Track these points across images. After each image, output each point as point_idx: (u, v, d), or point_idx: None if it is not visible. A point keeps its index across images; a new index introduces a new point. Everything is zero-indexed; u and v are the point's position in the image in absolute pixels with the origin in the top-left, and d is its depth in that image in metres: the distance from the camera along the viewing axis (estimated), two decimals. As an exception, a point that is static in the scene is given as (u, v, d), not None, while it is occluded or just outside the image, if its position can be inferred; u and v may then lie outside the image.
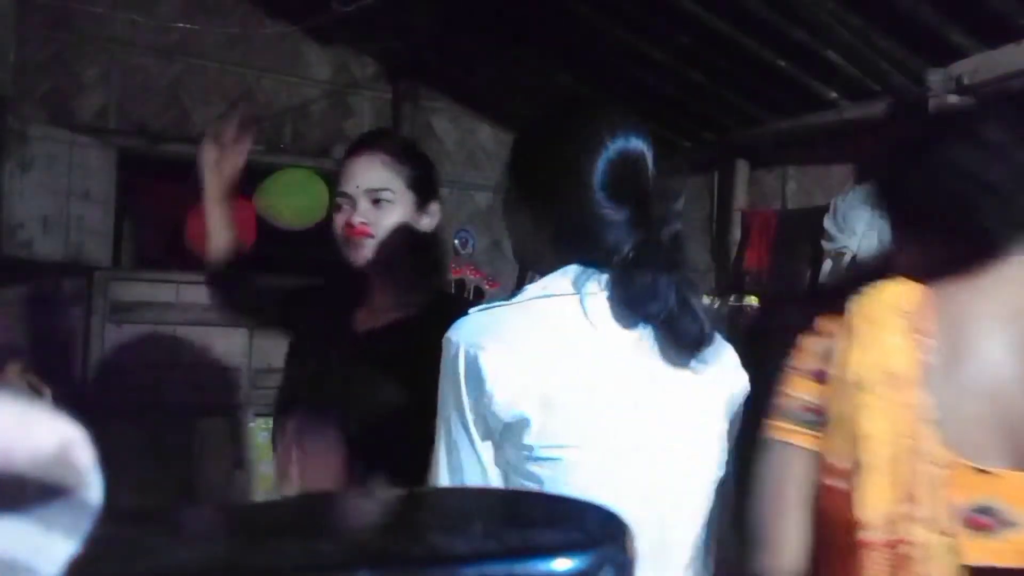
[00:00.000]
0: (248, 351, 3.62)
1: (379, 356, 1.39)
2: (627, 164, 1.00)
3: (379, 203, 1.37)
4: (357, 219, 1.35)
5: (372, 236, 1.35)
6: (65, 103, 3.43)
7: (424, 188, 1.42)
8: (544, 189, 1.01)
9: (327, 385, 1.42)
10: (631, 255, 0.96)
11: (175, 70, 3.66)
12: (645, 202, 1.00)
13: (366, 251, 1.37)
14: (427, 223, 1.42)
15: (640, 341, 0.97)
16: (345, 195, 1.38)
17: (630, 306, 0.96)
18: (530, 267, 1.12)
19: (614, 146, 1.00)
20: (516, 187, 1.05)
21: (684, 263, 1.04)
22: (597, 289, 0.95)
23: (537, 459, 0.90)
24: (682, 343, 1.00)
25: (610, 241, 0.97)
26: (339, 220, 1.39)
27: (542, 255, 1.03)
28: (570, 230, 0.98)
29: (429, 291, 1.45)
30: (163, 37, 3.56)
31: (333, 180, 1.59)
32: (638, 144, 1.03)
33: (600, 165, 0.98)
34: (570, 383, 0.92)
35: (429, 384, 1.37)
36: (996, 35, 2.24)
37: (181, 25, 3.37)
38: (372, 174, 1.37)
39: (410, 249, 1.40)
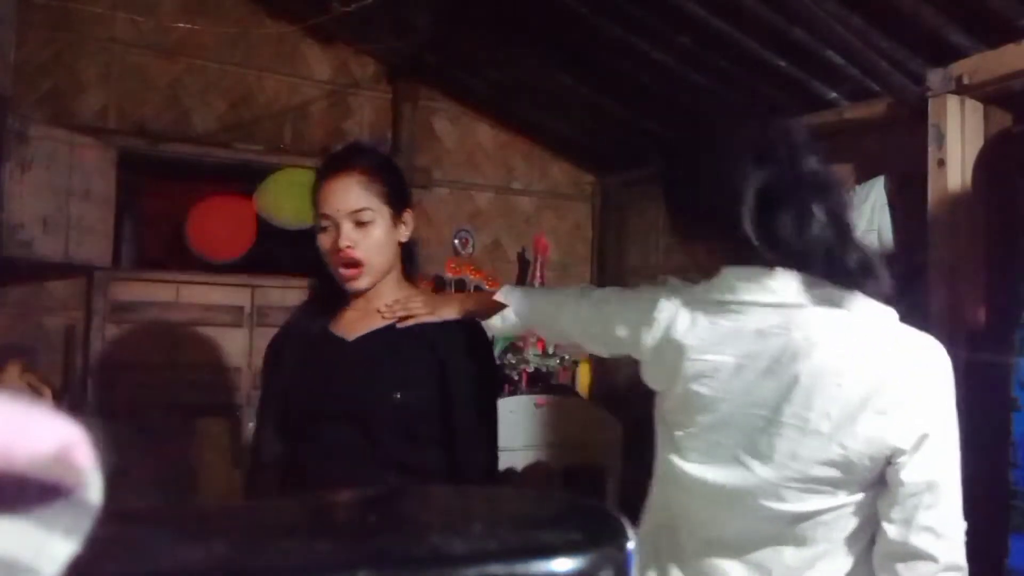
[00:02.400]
0: (248, 351, 3.62)
1: (376, 359, 1.44)
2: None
3: (363, 224, 1.43)
4: (343, 242, 1.41)
5: (364, 263, 1.43)
6: (65, 103, 3.43)
7: (399, 200, 1.49)
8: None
9: (330, 393, 1.44)
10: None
11: (175, 70, 3.66)
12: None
13: (362, 282, 1.45)
14: (404, 232, 1.51)
15: None
16: (327, 217, 1.44)
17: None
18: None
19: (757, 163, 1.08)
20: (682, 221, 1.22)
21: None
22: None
23: None
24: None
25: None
26: (324, 242, 1.45)
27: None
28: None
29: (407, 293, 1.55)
30: (163, 37, 3.56)
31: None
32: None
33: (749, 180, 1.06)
34: None
35: (430, 383, 1.40)
36: (996, 35, 2.24)
37: (181, 25, 3.37)
38: (350, 196, 1.42)
39: (392, 259, 1.50)
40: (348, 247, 1.41)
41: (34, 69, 3.36)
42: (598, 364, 4.36)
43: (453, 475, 1.38)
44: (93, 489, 0.31)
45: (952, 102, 2.38)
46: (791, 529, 1.05)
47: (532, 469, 3.33)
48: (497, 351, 3.61)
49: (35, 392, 1.49)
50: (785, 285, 1.05)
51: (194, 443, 3.44)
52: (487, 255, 4.25)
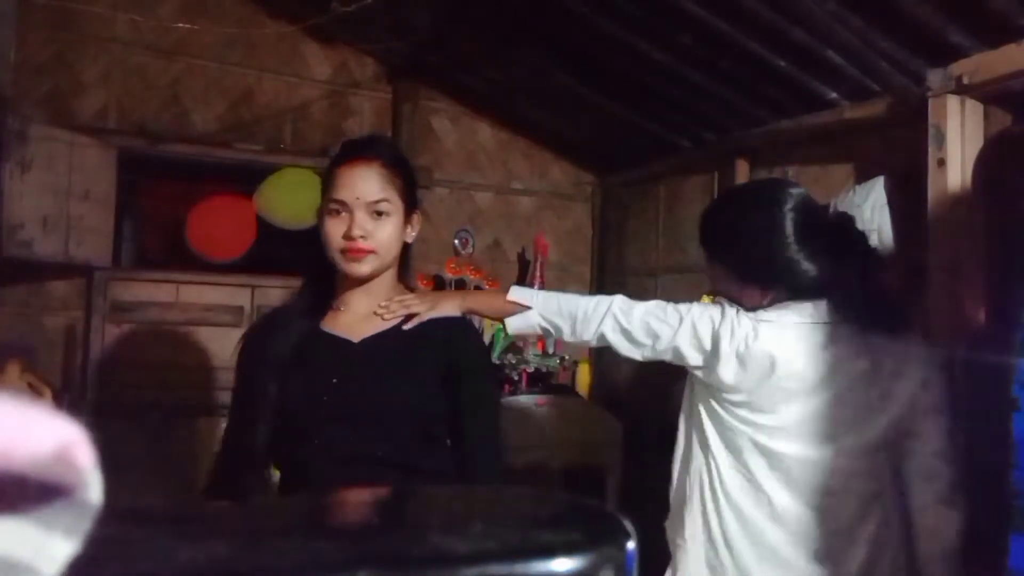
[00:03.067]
0: (248, 351, 3.62)
1: (388, 361, 1.41)
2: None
3: (380, 215, 1.39)
4: (357, 231, 1.37)
5: (374, 251, 1.39)
6: (65, 103, 3.43)
7: (412, 198, 1.47)
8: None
9: (341, 396, 1.40)
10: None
11: (175, 70, 3.66)
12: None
13: (366, 266, 1.40)
14: (410, 233, 1.48)
15: None
16: (342, 203, 1.38)
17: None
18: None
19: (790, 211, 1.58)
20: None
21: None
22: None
23: None
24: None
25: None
26: (334, 227, 1.39)
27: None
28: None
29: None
30: (163, 37, 3.56)
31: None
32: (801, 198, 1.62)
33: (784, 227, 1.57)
34: None
35: (441, 384, 1.40)
36: (996, 35, 2.24)
37: (181, 25, 3.37)
38: (371, 185, 1.38)
39: (396, 258, 1.47)
40: (361, 237, 1.37)
41: (34, 69, 3.36)
42: (598, 364, 4.36)
43: (463, 476, 1.38)
44: (93, 489, 0.31)
45: (952, 102, 2.38)
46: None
47: (532, 469, 3.33)
48: (497, 351, 3.61)
49: (35, 392, 1.49)
50: (818, 309, 1.53)
51: (194, 443, 3.44)
52: (487, 255, 4.25)
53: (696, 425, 1.64)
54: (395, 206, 1.41)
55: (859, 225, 2.78)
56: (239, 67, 3.78)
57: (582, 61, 3.33)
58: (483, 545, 0.42)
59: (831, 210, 2.93)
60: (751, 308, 1.57)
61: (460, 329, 1.49)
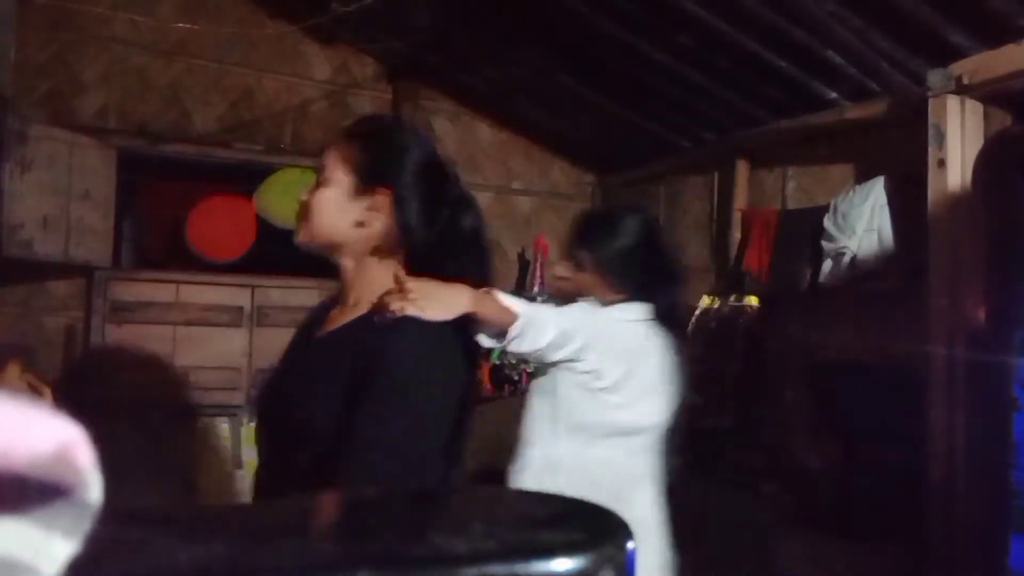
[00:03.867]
0: (248, 351, 3.63)
1: (311, 367, 1.26)
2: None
3: (318, 186, 1.25)
4: (300, 195, 1.28)
5: (304, 218, 1.25)
6: (65, 103, 3.43)
7: (371, 174, 1.24)
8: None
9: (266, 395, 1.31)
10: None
11: (175, 70, 3.66)
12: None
13: (301, 233, 1.27)
14: (370, 216, 1.23)
15: None
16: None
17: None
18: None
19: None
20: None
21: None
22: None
23: None
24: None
25: None
26: None
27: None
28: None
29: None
30: (163, 37, 3.56)
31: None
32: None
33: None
34: None
35: (332, 393, 1.15)
36: (996, 35, 2.24)
37: (181, 25, 3.37)
38: (325, 158, 1.27)
39: (343, 236, 1.25)
40: (300, 199, 1.27)
41: (34, 69, 3.36)
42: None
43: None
44: (93, 489, 0.31)
45: (952, 102, 2.38)
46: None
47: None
48: (496, 351, 3.60)
49: (35, 392, 1.48)
50: (646, 309, 1.88)
51: (194, 443, 3.44)
52: (487, 255, 4.25)
53: (552, 403, 1.85)
54: (336, 178, 1.24)
55: (859, 225, 2.81)
56: (239, 67, 3.78)
57: (582, 61, 3.33)
58: (483, 545, 0.42)
59: (831, 210, 2.95)
60: (607, 303, 1.87)
61: (388, 329, 1.18)
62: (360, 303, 1.24)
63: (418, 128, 1.42)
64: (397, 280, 1.20)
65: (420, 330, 1.18)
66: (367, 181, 1.23)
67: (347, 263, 1.26)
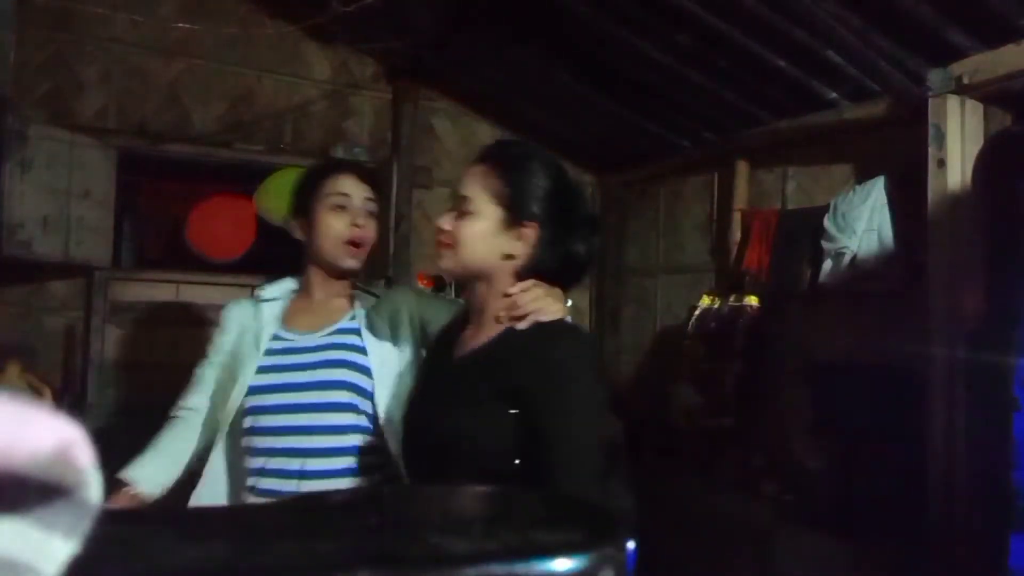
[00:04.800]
0: (248, 351, 3.62)
1: (459, 386, 1.31)
2: None
3: (463, 214, 1.32)
4: (440, 223, 1.35)
5: (450, 246, 1.33)
6: (65, 103, 3.43)
7: (519, 207, 1.30)
8: None
9: (418, 409, 1.39)
10: None
11: (175, 70, 3.66)
12: None
13: (445, 260, 1.35)
14: (517, 247, 1.30)
15: None
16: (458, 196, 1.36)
17: None
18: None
19: None
20: None
21: None
22: None
23: None
24: None
25: None
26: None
27: None
28: None
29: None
30: (163, 37, 3.56)
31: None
32: None
33: None
34: None
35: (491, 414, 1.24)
36: (996, 35, 2.24)
37: (181, 25, 3.37)
38: (465, 182, 1.35)
39: (490, 267, 1.31)
40: (439, 229, 1.34)
41: (34, 69, 3.36)
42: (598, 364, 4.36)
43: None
44: (93, 489, 0.31)
45: (952, 102, 2.38)
46: None
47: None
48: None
49: (35, 392, 1.49)
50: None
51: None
52: (487, 255, 4.25)
53: None
54: (484, 211, 1.30)
55: (859, 225, 2.82)
56: (239, 67, 3.78)
57: (582, 61, 3.33)
58: (483, 545, 0.42)
59: (831, 210, 2.95)
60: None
61: (535, 343, 1.23)
62: (490, 325, 1.31)
63: (551, 155, 1.38)
64: (510, 294, 1.29)
65: (577, 337, 1.30)
66: (516, 215, 1.29)
67: (483, 287, 1.34)
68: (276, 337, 1.64)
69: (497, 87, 3.98)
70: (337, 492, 1.27)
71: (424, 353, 1.59)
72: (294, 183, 1.76)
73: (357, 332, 1.63)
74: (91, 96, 3.50)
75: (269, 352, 1.61)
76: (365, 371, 1.58)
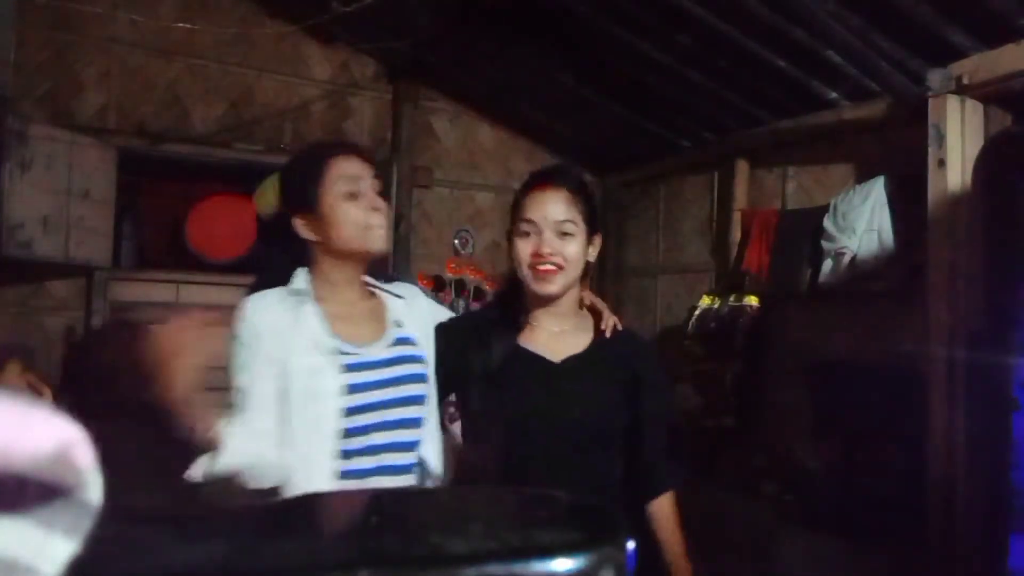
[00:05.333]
0: (248, 351, 3.62)
1: (582, 383, 1.56)
2: None
3: (564, 235, 1.53)
4: (546, 248, 1.51)
5: (562, 268, 1.52)
6: (65, 103, 3.43)
7: (593, 221, 1.58)
8: None
9: (539, 410, 1.53)
10: None
11: (175, 70, 3.66)
12: None
13: (553, 280, 1.53)
14: (592, 252, 1.59)
15: None
16: (531, 223, 1.54)
17: None
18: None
19: None
20: None
21: None
22: None
23: None
24: None
25: None
26: (524, 248, 1.55)
27: None
28: None
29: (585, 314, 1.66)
30: (163, 37, 3.56)
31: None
32: None
33: None
34: None
35: (618, 398, 1.56)
36: (996, 35, 2.24)
37: (181, 25, 3.37)
38: (559, 207, 1.54)
39: (580, 275, 1.58)
40: (550, 253, 1.51)
41: (34, 69, 3.36)
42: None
43: (644, 484, 1.58)
44: (93, 489, 0.31)
45: (952, 102, 2.38)
46: None
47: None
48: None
49: (35, 392, 1.48)
50: None
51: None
52: (487, 255, 4.25)
53: None
54: (579, 228, 1.54)
55: (859, 225, 2.82)
56: (239, 67, 3.78)
57: (582, 61, 3.33)
58: (483, 545, 0.42)
59: (831, 210, 2.95)
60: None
61: (640, 342, 1.71)
62: (580, 322, 1.62)
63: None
64: (599, 306, 1.66)
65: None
66: (593, 228, 1.58)
67: (572, 292, 1.60)
68: (342, 352, 1.47)
69: (497, 87, 3.98)
70: (337, 492, 1.27)
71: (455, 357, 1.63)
72: (285, 173, 1.60)
73: (411, 342, 1.56)
74: (91, 96, 3.50)
75: (349, 368, 1.46)
76: (426, 380, 1.57)
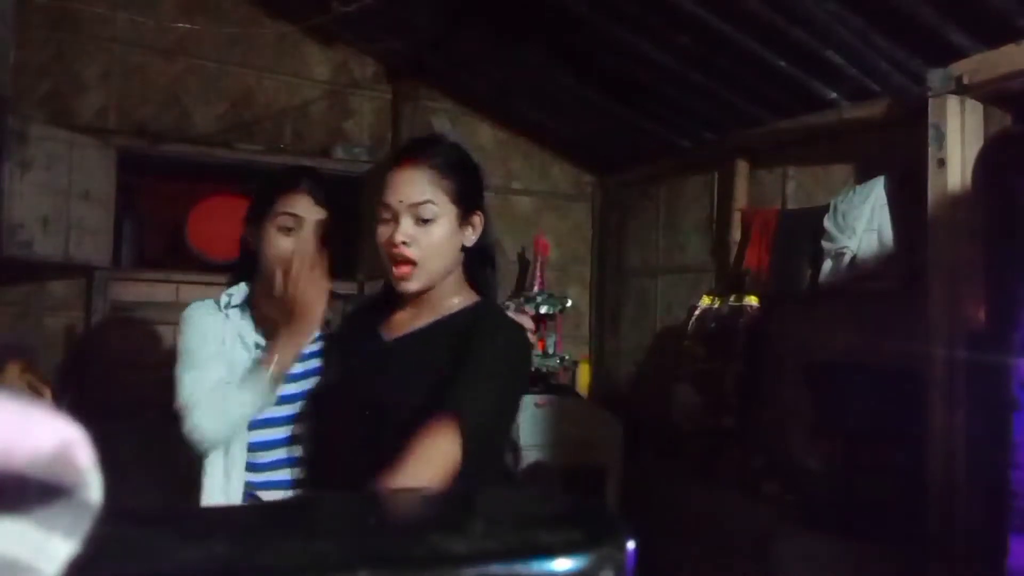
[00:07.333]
0: (248, 351, 3.62)
1: (403, 361, 1.37)
2: None
3: (423, 221, 1.32)
4: (399, 237, 1.31)
5: (415, 261, 1.32)
6: (65, 103, 3.43)
7: (469, 199, 1.37)
8: None
9: (350, 391, 1.41)
10: None
11: (175, 70, 3.66)
12: None
13: (409, 278, 1.33)
14: (470, 236, 1.39)
15: None
16: (388, 208, 1.34)
17: None
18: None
19: None
20: None
21: None
22: None
23: None
24: None
25: None
26: (382, 234, 1.35)
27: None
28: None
29: (464, 300, 1.41)
30: (163, 37, 3.56)
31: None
32: None
33: None
34: None
35: (435, 381, 1.31)
36: (996, 35, 2.24)
37: (181, 25, 3.37)
38: (415, 188, 1.32)
39: (452, 262, 1.38)
40: (403, 242, 1.31)
41: (34, 69, 3.36)
42: (598, 364, 4.36)
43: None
44: (93, 489, 0.31)
45: (952, 102, 2.38)
46: None
47: (532, 469, 3.33)
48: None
49: (35, 392, 1.48)
50: None
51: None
52: (487, 255, 4.25)
53: None
54: (443, 209, 1.32)
55: (859, 225, 2.81)
56: (239, 67, 3.78)
57: (582, 61, 3.33)
58: (483, 545, 0.42)
59: (831, 210, 2.95)
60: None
61: (482, 311, 1.39)
62: (434, 308, 1.38)
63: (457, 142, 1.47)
64: (476, 290, 1.43)
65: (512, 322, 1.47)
66: (468, 209, 1.37)
67: (448, 282, 1.40)
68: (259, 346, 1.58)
69: (497, 87, 3.98)
70: (337, 492, 1.27)
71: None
72: (255, 186, 1.62)
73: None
74: (91, 96, 3.50)
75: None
76: None
